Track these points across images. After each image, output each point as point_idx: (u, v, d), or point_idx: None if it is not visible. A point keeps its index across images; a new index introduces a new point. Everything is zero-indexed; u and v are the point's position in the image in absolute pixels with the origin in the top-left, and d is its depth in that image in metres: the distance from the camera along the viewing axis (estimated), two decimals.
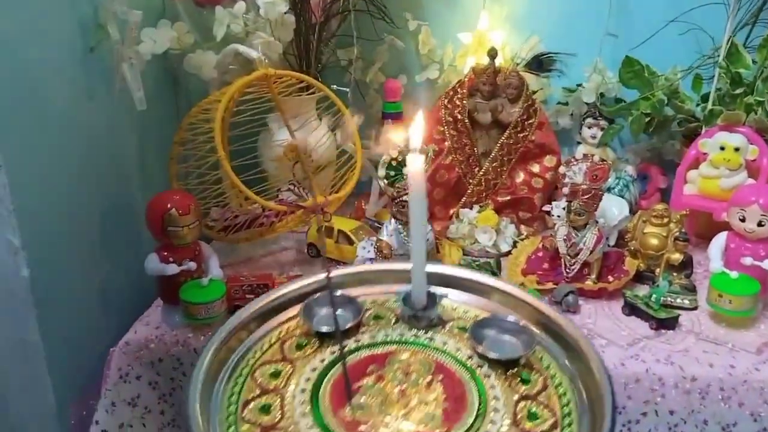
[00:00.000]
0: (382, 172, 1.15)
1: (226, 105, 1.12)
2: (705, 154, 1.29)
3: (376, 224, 1.38)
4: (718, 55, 1.33)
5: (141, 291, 1.19)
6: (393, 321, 0.68)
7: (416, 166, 0.62)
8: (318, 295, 0.68)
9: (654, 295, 1.11)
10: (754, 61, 1.32)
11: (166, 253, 1.09)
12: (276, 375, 0.61)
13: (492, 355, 0.62)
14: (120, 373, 1.10)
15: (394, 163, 1.15)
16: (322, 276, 0.70)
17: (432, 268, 0.69)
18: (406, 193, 1.15)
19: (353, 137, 1.28)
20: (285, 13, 1.28)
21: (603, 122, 1.43)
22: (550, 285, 1.20)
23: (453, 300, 0.70)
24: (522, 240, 1.37)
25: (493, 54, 1.38)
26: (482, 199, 1.44)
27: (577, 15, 1.50)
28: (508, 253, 1.34)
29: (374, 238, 1.21)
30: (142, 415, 1.11)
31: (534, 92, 1.45)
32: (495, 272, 1.26)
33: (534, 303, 0.69)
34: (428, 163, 1.19)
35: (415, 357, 0.62)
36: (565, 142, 1.53)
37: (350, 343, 0.65)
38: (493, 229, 1.37)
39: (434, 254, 1.25)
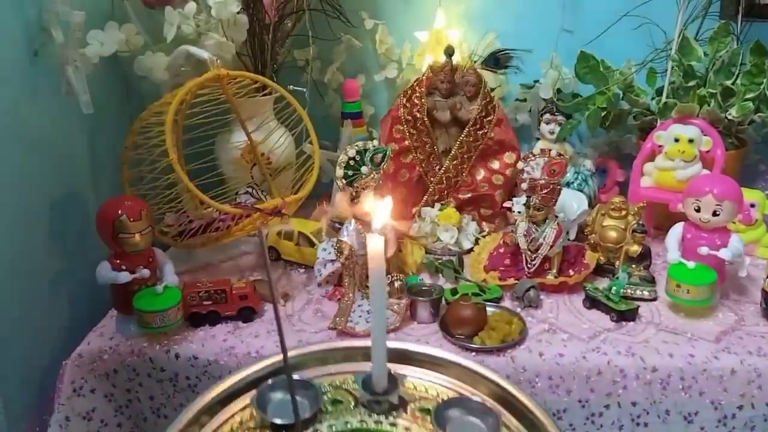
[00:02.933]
0: (339, 172, 1.14)
1: (177, 107, 1.09)
2: (660, 146, 1.30)
3: (338, 225, 1.36)
4: (671, 49, 1.35)
5: (95, 300, 1.16)
6: (352, 405, 0.63)
7: (376, 247, 0.59)
8: (271, 381, 0.63)
9: (614, 288, 1.12)
10: (705, 54, 1.34)
11: (118, 261, 1.06)
12: None
13: None
14: (73, 386, 1.06)
15: (351, 162, 1.14)
16: (273, 360, 0.66)
17: (391, 344, 0.65)
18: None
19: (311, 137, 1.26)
20: (237, 13, 1.26)
21: (561, 117, 1.43)
22: (511, 281, 1.19)
23: (412, 377, 0.67)
24: (484, 237, 1.36)
25: (449, 52, 1.38)
26: (444, 197, 1.44)
27: (532, 11, 1.51)
28: (471, 250, 1.34)
29: (335, 239, 1.19)
30: (98, 429, 1.07)
31: (492, 89, 1.45)
32: (457, 270, 1.25)
33: (497, 380, 0.66)
34: (387, 161, 1.18)
35: None
36: (524, 139, 1.53)
37: None
38: (455, 226, 1.36)
39: (396, 253, 1.24)
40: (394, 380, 0.62)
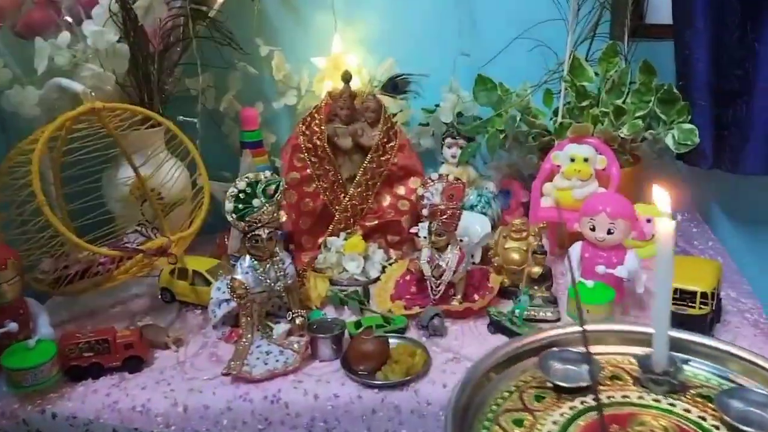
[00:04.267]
0: (229, 206, 1.08)
1: (45, 143, 1.01)
2: (558, 166, 1.31)
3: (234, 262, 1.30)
4: (563, 70, 1.37)
5: None
6: (630, 383, 0.65)
7: (666, 230, 0.60)
8: (555, 349, 0.67)
9: (517, 311, 1.10)
10: (596, 74, 1.37)
11: None
12: (519, 423, 0.60)
13: (744, 427, 0.57)
14: None
15: (242, 195, 1.08)
16: (565, 330, 0.70)
17: (674, 333, 0.65)
18: (260, 227, 1.09)
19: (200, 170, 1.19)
20: (117, 42, 1.19)
21: (462, 141, 1.43)
22: (417, 309, 1.16)
23: (692, 367, 0.67)
24: (390, 264, 1.33)
25: (347, 78, 1.35)
26: (350, 226, 1.40)
27: (430, 36, 1.51)
28: (378, 279, 1.30)
29: (229, 277, 1.13)
30: None
31: (394, 114, 1.43)
32: (362, 301, 1.21)
33: None
34: (281, 193, 1.13)
35: (658, 421, 0.59)
36: (429, 164, 1.52)
37: (588, 402, 0.62)
38: (361, 255, 1.33)
39: (297, 288, 1.19)
40: (674, 363, 0.63)
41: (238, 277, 1.09)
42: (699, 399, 0.63)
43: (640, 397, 0.63)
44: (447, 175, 1.18)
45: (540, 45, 1.41)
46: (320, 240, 1.40)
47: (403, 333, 1.12)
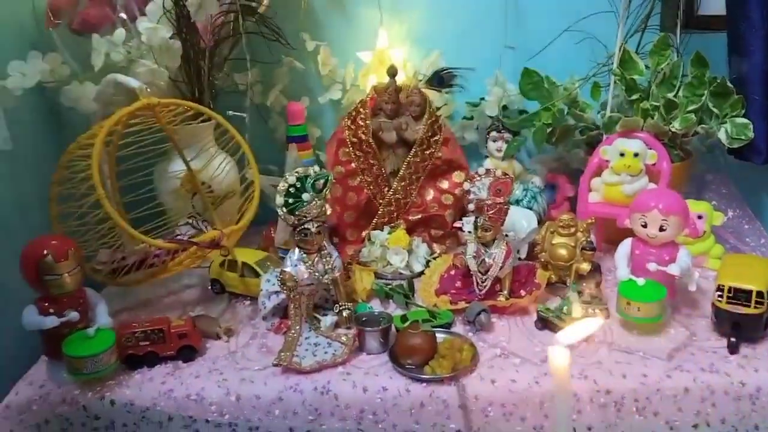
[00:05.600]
0: (280, 200, 1.09)
1: (107, 138, 1.04)
2: (607, 161, 1.29)
3: (285, 253, 1.32)
4: (612, 63, 1.35)
5: (25, 347, 1.09)
6: None
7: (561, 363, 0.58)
8: None
9: (565, 308, 1.09)
10: (647, 67, 1.35)
11: (46, 304, 1.00)
12: None
13: None
14: None
15: (292, 189, 1.10)
16: None
17: None
18: (308, 221, 1.10)
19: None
20: (170, 38, 1.21)
21: (507, 135, 1.42)
22: (462, 304, 1.16)
23: None
24: (435, 259, 1.33)
25: (392, 72, 1.35)
26: (394, 219, 1.41)
27: (475, 29, 1.50)
28: (422, 273, 1.31)
29: (279, 270, 1.15)
30: None
31: (438, 108, 1.43)
32: (407, 295, 1.22)
33: None
34: (330, 187, 1.14)
35: None
36: (473, 157, 1.52)
37: None
38: (405, 249, 1.33)
39: (344, 280, 1.20)
40: None
41: (288, 269, 1.11)
42: None
43: None
44: (494, 170, 1.18)
45: (588, 37, 1.39)
46: (364, 233, 1.41)
47: (450, 328, 1.12)
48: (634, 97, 1.33)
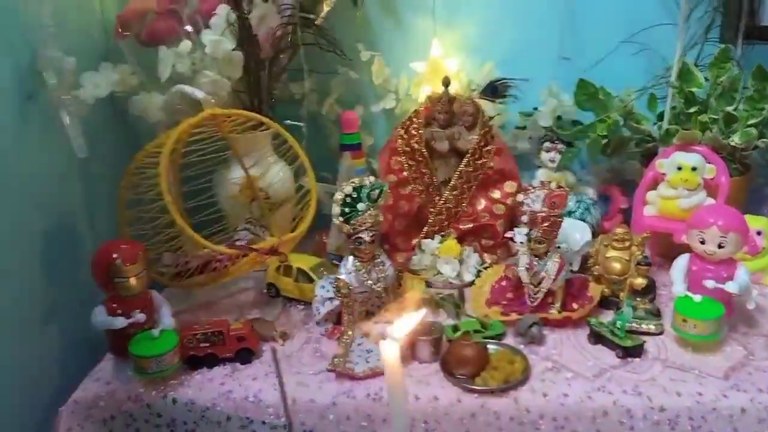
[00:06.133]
0: (336, 209, 1.12)
1: (172, 147, 1.08)
2: (663, 174, 1.28)
3: (338, 260, 1.35)
4: (670, 75, 1.33)
5: (92, 344, 1.14)
6: None
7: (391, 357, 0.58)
8: None
9: (618, 323, 1.09)
10: (706, 79, 1.33)
11: (114, 305, 1.05)
12: None
13: None
14: None
15: (348, 199, 1.13)
16: None
17: None
18: (363, 230, 1.13)
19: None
20: (232, 50, 1.25)
21: (561, 146, 1.42)
22: (514, 315, 1.17)
23: None
24: (485, 269, 1.34)
25: (446, 82, 1.37)
26: (444, 228, 1.42)
27: (530, 39, 1.50)
28: (472, 282, 1.32)
29: (333, 277, 1.17)
30: None
31: (491, 118, 1.44)
32: (458, 305, 1.23)
33: None
34: (384, 197, 1.16)
35: None
36: (525, 167, 1.52)
37: None
38: (456, 259, 1.34)
39: (396, 289, 1.22)
40: None
41: (342, 276, 1.14)
42: None
43: None
44: (549, 183, 1.18)
45: (645, 49, 1.38)
46: (414, 241, 1.43)
47: (501, 339, 1.13)
48: (693, 109, 1.31)
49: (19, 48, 1.08)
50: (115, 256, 1.02)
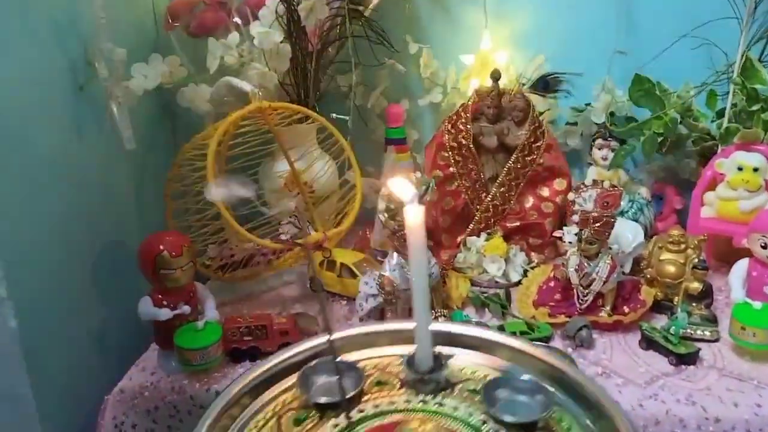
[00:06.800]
0: (382, 205, 1.11)
1: (219, 139, 1.08)
2: (722, 174, 1.23)
3: (382, 255, 1.33)
4: (732, 71, 1.27)
5: (137, 334, 1.15)
6: (397, 386, 0.63)
7: (415, 217, 0.57)
8: (315, 362, 0.64)
9: (673, 328, 1.05)
10: None
11: (160, 296, 1.06)
12: None
13: (507, 418, 0.58)
14: (115, 422, 1.06)
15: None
16: (318, 341, 0.66)
17: (436, 326, 0.64)
18: None
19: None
20: (280, 42, 1.24)
21: (614, 143, 1.37)
22: (562, 318, 1.14)
23: (460, 360, 0.65)
24: (533, 268, 1.31)
25: (496, 76, 1.33)
26: (490, 226, 1.39)
27: (584, 32, 1.45)
28: (519, 282, 1.29)
29: (377, 273, 1.16)
30: None
31: (541, 113, 1.40)
32: (504, 305, 1.21)
33: (546, 359, 0.64)
34: (431, 193, 1.14)
35: (425, 426, 0.57)
36: (575, 164, 1.48)
37: (355, 414, 0.60)
38: (502, 257, 1.32)
39: (440, 287, 1.20)
40: (439, 360, 0.61)
41: (386, 273, 1.12)
42: (467, 393, 0.60)
43: (407, 401, 0.60)
44: (602, 182, 1.14)
45: (706, 43, 1.32)
46: (459, 238, 1.40)
47: (548, 342, 1.10)
48: (755, 107, 1.25)
49: (71, 40, 1.09)
50: (161, 247, 1.02)
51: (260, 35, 1.21)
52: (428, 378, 0.61)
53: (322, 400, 0.61)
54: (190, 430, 1.04)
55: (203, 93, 1.24)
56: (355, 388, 0.61)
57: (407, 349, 0.63)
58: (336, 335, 0.66)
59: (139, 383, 1.06)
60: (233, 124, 1.14)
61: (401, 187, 0.59)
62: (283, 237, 1.21)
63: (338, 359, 0.63)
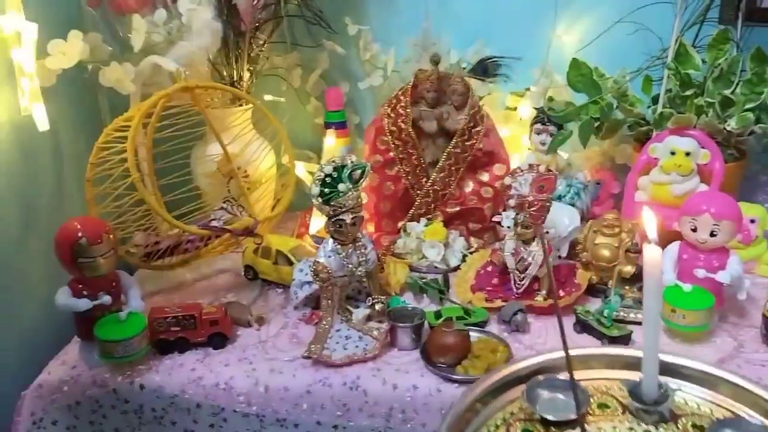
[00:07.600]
0: (315, 189, 1.07)
1: (140, 121, 1.03)
2: (656, 159, 1.24)
3: (320, 241, 1.30)
4: (667, 56, 1.28)
5: (58, 327, 1.10)
6: (620, 412, 0.62)
7: (653, 257, 0.57)
8: (542, 377, 0.65)
9: (606, 311, 1.05)
10: (703, 61, 1.28)
11: (80, 286, 1.00)
12: None
13: None
14: (33, 418, 1.01)
15: (328, 179, 1.07)
16: (545, 357, 0.67)
17: (663, 356, 0.63)
18: (344, 212, 1.08)
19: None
20: (211, 19, 1.19)
21: (552, 128, 1.36)
22: (499, 302, 1.13)
23: (683, 392, 0.64)
24: (471, 253, 1.30)
25: (436, 59, 1.31)
26: (431, 211, 1.37)
27: (523, 16, 1.45)
28: (458, 267, 1.28)
29: (312, 260, 1.13)
30: None
31: (481, 98, 1.39)
32: (442, 290, 1.19)
33: None
34: (366, 179, 1.11)
35: None
36: (515, 149, 1.47)
37: None
38: (442, 242, 1.30)
39: (377, 273, 1.18)
40: (665, 392, 0.60)
41: (321, 260, 1.09)
42: (690, 429, 0.60)
43: (631, 429, 0.60)
44: (538, 166, 1.14)
45: (642, 29, 1.33)
46: (400, 224, 1.38)
47: (484, 327, 1.09)
48: (689, 92, 1.27)
49: None
50: (79, 235, 0.97)
51: (189, 12, 1.16)
52: (653, 409, 0.60)
53: (549, 417, 0.61)
54: (114, 426, 1.01)
55: (127, 72, 1.18)
56: (583, 407, 0.61)
57: (626, 374, 0.64)
58: (554, 355, 0.67)
59: (59, 377, 1.01)
60: (156, 104, 1.08)
61: (647, 224, 0.60)
62: (215, 223, 1.17)
63: (560, 377, 0.64)
